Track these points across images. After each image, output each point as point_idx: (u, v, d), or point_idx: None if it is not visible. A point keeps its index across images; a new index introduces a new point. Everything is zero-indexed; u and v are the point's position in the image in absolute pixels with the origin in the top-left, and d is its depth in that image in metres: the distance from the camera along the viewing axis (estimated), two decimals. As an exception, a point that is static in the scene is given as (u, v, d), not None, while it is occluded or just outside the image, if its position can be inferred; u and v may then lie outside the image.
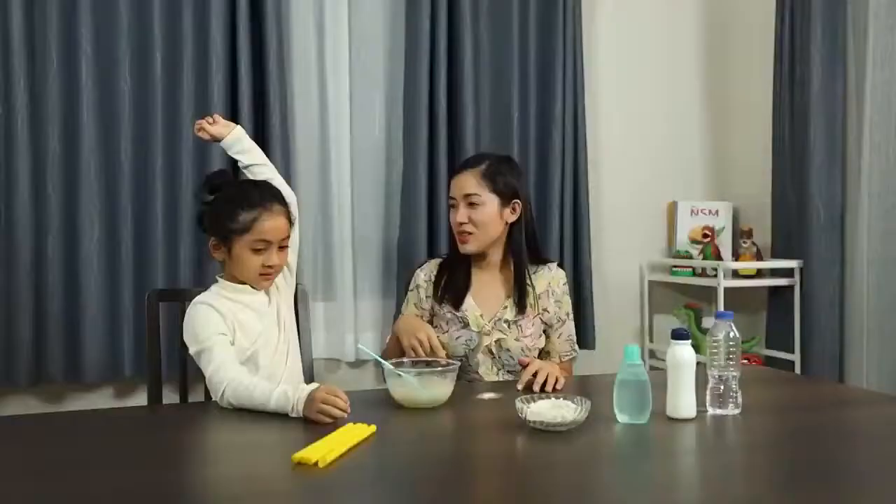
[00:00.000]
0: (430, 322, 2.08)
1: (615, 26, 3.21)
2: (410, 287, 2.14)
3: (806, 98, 2.78)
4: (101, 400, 2.57)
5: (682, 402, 1.51)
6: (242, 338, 1.76)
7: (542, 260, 2.14)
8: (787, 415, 1.60)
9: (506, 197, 2.03)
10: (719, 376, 1.55)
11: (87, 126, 2.45)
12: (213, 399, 1.66)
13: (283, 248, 1.83)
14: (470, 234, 2.01)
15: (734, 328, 1.55)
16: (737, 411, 1.54)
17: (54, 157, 2.44)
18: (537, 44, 2.98)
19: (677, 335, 1.53)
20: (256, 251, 1.76)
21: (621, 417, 1.50)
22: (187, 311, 1.78)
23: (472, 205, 2.01)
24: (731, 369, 1.54)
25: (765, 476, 1.25)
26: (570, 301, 2.14)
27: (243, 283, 1.83)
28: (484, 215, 2.00)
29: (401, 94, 2.86)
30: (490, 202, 2.01)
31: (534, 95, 2.98)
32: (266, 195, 1.81)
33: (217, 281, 1.85)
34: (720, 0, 3.33)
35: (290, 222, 1.85)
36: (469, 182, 2.02)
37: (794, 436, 1.46)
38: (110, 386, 2.59)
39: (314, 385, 1.54)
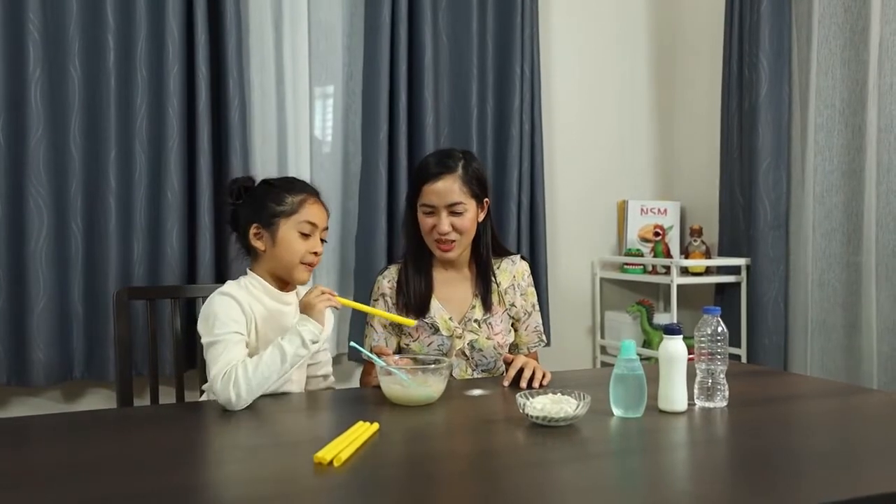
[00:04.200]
0: (399, 329, 2.04)
1: (570, 28, 3.26)
2: (374, 296, 2.07)
3: (754, 102, 2.89)
4: (49, 404, 2.44)
5: (675, 395, 1.55)
6: (258, 346, 1.71)
7: (504, 252, 2.13)
8: (769, 406, 1.66)
9: (480, 199, 2.02)
10: (707, 370, 1.59)
11: (35, 114, 2.31)
12: (223, 400, 1.57)
13: (323, 241, 1.81)
14: (453, 241, 1.97)
15: (721, 323, 1.59)
16: (724, 404, 1.59)
17: (-1, 147, 2.31)
18: (495, 41, 3.00)
19: (669, 330, 1.56)
20: (303, 235, 1.76)
21: (617, 411, 1.52)
22: (210, 297, 1.72)
23: (455, 213, 1.96)
24: (719, 363, 1.59)
25: (759, 464, 1.28)
26: (535, 292, 2.15)
27: (280, 280, 1.78)
28: (467, 221, 1.97)
29: (360, 89, 2.82)
30: (471, 208, 1.99)
31: (492, 93, 2.99)
32: (308, 186, 1.84)
33: (247, 273, 1.80)
34: (671, 5, 3.43)
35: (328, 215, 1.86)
36: (452, 190, 1.95)
37: (781, 426, 1.51)
38: (57, 389, 2.47)
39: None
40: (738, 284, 3.03)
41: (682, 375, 1.55)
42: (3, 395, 2.39)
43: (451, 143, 2.89)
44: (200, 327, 1.71)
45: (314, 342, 1.65)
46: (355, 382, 2.81)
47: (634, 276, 3.21)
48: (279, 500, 1.10)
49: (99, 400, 2.50)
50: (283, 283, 1.82)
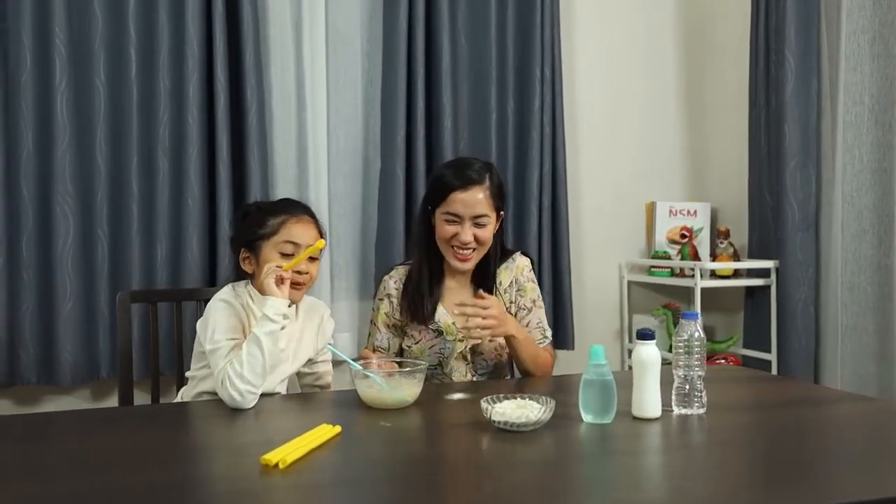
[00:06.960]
0: (402, 331, 2.06)
1: (593, 27, 3.22)
2: (379, 295, 2.09)
3: (780, 100, 2.80)
4: (77, 402, 2.55)
5: (647, 401, 1.52)
6: None
7: (506, 253, 2.12)
8: (750, 413, 1.62)
9: (499, 212, 2.04)
10: (684, 376, 1.56)
11: (61, 125, 2.42)
12: (228, 401, 1.62)
13: (313, 258, 1.83)
14: (473, 251, 1.98)
15: (700, 328, 1.56)
16: (702, 410, 1.55)
17: (28, 156, 2.41)
18: (515, 43, 2.99)
19: (642, 335, 1.54)
20: (284, 255, 1.79)
21: (586, 417, 1.51)
22: (210, 303, 1.79)
23: (479, 225, 1.97)
24: (696, 369, 1.55)
25: (725, 474, 1.26)
26: (534, 287, 2.11)
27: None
28: (488, 233, 1.99)
29: (379, 94, 2.86)
30: (493, 221, 2.00)
31: (512, 95, 2.98)
32: (295, 206, 1.89)
33: (247, 283, 1.86)
34: (697, 3, 3.35)
35: (321, 234, 1.88)
36: (481, 202, 1.96)
37: (756, 434, 1.47)
38: (87, 388, 2.58)
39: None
40: (767, 287, 2.94)
41: (655, 381, 1.52)
42: (34, 395, 2.51)
43: (471, 146, 2.90)
44: (201, 333, 1.77)
45: (284, 316, 1.71)
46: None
47: (662, 279, 3.15)
48: (213, 501, 1.13)
49: (125, 398, 2.60)
50: None
